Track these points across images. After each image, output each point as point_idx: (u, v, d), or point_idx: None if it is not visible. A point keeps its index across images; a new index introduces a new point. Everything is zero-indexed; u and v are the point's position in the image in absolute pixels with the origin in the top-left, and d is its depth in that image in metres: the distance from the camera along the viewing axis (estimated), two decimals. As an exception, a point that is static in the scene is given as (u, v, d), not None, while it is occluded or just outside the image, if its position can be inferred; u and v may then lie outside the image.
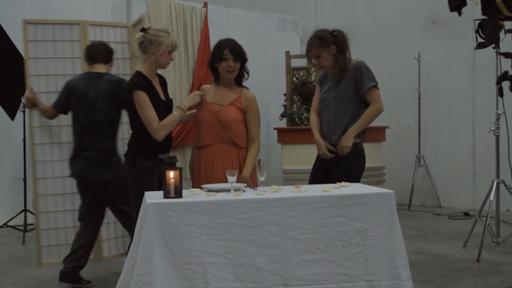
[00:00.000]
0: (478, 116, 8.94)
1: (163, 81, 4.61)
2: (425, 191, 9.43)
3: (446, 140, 9.30)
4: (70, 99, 5.17)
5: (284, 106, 9.03)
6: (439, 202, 9.27)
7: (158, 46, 4.32)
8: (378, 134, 8.58)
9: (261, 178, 3.95)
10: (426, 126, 9.44)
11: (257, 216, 3.59)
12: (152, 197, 3.73)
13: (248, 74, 4.57)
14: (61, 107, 5.26)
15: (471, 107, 9.02)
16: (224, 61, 4.42)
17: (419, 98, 9.26)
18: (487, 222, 5.97)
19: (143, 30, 4.39)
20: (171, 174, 3.68)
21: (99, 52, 5.24)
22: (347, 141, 4.62)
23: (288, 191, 3.87)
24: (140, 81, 4.35)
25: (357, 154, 4.70)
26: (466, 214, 8.45)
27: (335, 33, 4.68)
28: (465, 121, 9.08)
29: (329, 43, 4.64)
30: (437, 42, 9.33)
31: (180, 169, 3.71)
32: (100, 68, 5.21)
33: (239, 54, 4.45)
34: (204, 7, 8.74)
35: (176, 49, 4.44)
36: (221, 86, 4.54)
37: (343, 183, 4.21)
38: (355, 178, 4.60)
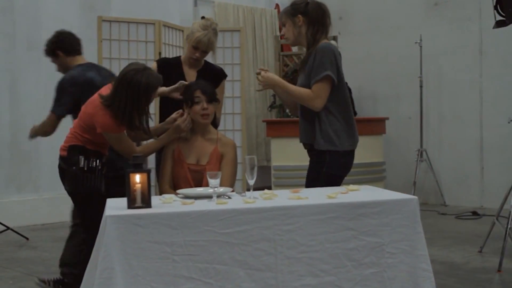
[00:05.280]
0: (486, 105, 8.42)
1: (211, 73, 4.55)
2: (428, 188, 8.90)
3: (451, 132, 8.79)
4: None
5: (274, 96, 8.64)
6: (444, 200, 8.75)
7: (188, 37, 4.47)
8: (377, 126, 8.16)
9: (251, 182, 3.28)
10: (429, 117, 8.94)
11: (246, 231, 3.02)
12: (113, 207, 3.09)
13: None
14: None
15: (478, 96, 8.49)
16: (197, 104, 4.10)
17: (421, 87, 8.74)
18: (509, 226, 5.31)
19: (202, 18, 4.54)
20: (137, 177, 3.05)
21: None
22: (272, 77, 3.98)
23: (284, 198, 3.26)
24: (168, 59, 4.75)
25: (333, 153, 3.88)
26: (474, 213, 7.86)
27: (308, 3, 4.01)
28: (471, 111, 8.56)
29: (296, 13, 4.00)
30: (440, 25, 8.81)
31: (149, 172, 3.07)
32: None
33: (213, 95, 4.16)
34: (275, 8, 9.46)
35: (202, 47, 4.41)
36: (196, 135, 4.20)
37: (351, 186, 3.52)
38: (327, 176, 3.86)
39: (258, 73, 3.99)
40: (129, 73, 3.75)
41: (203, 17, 4.50)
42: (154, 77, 3.79)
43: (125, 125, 3.83)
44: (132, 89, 3.70)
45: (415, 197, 3.21)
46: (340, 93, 3.92)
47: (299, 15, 3.98)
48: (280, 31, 4.28)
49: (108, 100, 3.77)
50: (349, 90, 9.03)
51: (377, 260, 3.12)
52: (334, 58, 3.86)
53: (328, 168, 3.86)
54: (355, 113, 8.95)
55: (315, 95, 3.82)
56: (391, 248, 3.14)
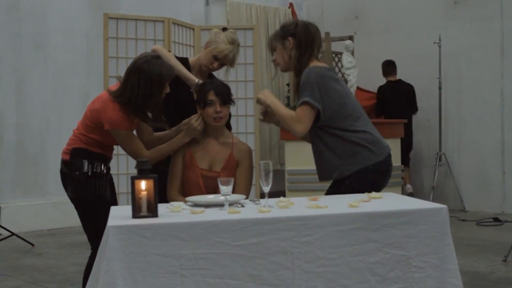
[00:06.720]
0: (508, 107, 8.22)
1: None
2: (447, 193, 8.71)
3: (471, 135, 8.59)
4: None
5: (288, 98, 8.56)
6: (463, 205, 8.55)
7: (210, 44, 4.21)
8: (394, 130, 7.95)
9: (266, 189, 3.05)
10: (448, 119, 8.75)
11: (261, 243, 2.78)
12: (116, 217, 2.87)
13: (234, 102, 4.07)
14: None
15: (500, 97, 8.29)
16: (210, 106, 3.83)
17: (440, 88, 8.57)
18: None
19: (223, 29, 4.30)
20: (143, 184, 2.83)
21: None
22: (268, 94, 3.78)
23: (301, 206, 3.02)
24: (176, 57, 4.30)
25: (357, 173, 3.63)
26: (496, 219, 7.64)
27: (298, 24, 3.78)
28: (492, 113, 8.36)
29: (286, 35, 3.75)
30: (459, 25, 8.64)
31: (155, 178, 2.85)
32: None
33: (227, 97, 3.88)
34: (289, 7, 9.36)
35: (225, 62, 4.20)
36: (209, 137, 3.94)
37: (374, 194, 3.27)
38: (346, 186, 3.62)
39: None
40: (140, 61, 3.59)
41: (225, 29, 4.26)
42: (166, 67, 3.62)
43: (137, 117, 3.63)
44: (144, 77, 3.53)
45: (445, 206, 2.96)
46: (340, 112, 3.64)
47: (290, 37, 3.74)
48: (272, 55, 4.02)
49: (118, 91, 3.59)
50: (412, 87, 8.75)
51: (403, 275, 2.89)
52: (317, 83, 3.58)
53: (351, 182, 3.59)
54: (416, 110, 8.73)
55: (297, 118, 3.60)
56: (418, 261, 2.91)
